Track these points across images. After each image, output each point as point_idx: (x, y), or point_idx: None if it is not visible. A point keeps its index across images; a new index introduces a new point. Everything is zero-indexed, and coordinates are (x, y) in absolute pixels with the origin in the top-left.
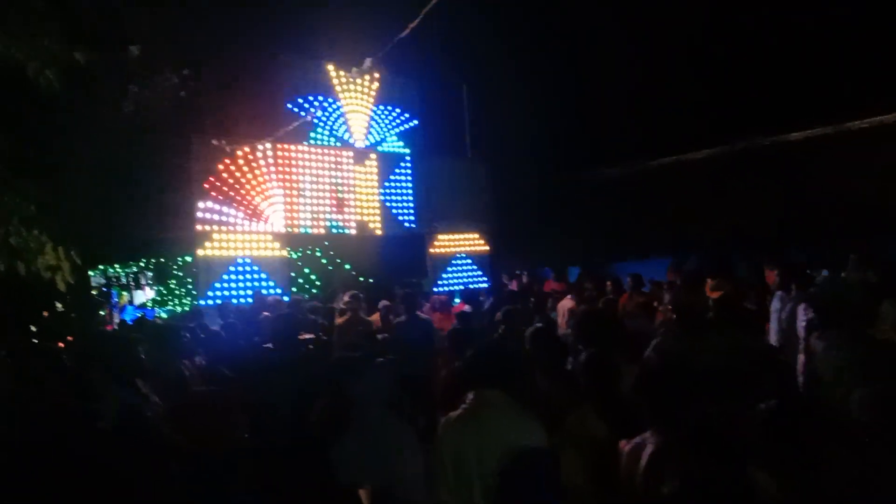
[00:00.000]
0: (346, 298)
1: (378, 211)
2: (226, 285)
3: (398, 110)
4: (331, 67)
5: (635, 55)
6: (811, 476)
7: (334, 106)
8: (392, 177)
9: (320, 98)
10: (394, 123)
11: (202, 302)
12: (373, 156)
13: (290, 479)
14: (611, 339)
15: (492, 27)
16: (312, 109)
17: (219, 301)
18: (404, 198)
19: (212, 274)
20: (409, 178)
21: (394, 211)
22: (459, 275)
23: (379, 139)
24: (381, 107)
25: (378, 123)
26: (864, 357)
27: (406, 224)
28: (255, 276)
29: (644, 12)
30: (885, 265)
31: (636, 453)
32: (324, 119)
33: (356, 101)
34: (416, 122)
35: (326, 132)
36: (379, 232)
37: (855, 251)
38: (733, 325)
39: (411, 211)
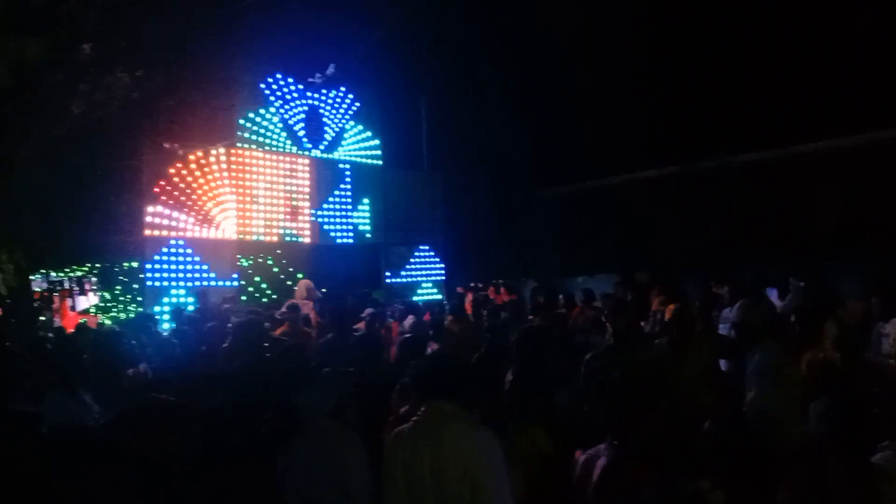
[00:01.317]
0: (283, 309)
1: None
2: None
3: (342, 91)
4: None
5: (591, 76)
6: (761, 490)
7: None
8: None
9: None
10: (344, 108)
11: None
12: (306, 161)
13: (239, 487)
14: (550, 352)
15: (450, 42)
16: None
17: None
18: (340, 206)
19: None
20: (349, 185)
21: (327, 221)
22: (420, 266)
23: (335, 135)
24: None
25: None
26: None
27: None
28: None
29: (597, 33)
30: (824, 288)
31: (590, 464)
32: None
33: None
34: (355, 100)
35: (283, 135)
36: (308, 240)
37: (799, 274)
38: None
39: (343, 220)
